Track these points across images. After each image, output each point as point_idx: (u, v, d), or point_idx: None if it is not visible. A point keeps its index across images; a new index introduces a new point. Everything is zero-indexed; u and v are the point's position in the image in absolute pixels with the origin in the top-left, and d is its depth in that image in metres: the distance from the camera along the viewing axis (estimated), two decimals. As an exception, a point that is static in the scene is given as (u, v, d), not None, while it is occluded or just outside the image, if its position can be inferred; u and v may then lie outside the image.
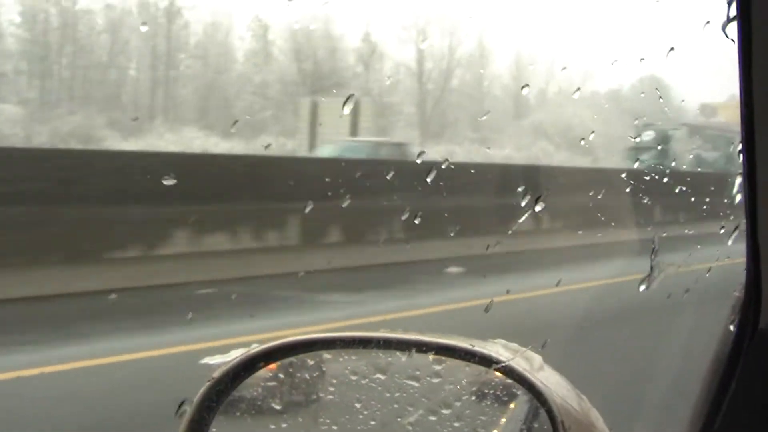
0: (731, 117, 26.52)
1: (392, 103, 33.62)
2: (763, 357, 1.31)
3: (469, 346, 1.39)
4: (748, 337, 1.32)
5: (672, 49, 2.08)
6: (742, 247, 1.36)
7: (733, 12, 1.26)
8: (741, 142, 1.28)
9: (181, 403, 1.37)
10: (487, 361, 1.38)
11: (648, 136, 26.52)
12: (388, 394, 1.44)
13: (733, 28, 1.28)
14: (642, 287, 1.67)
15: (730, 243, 1.87)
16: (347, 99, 2.73)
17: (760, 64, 1.24)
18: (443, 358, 1.43)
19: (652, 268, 1.63)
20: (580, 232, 11.97)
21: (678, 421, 1.45)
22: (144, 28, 34.84)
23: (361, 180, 10.01)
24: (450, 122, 36.18)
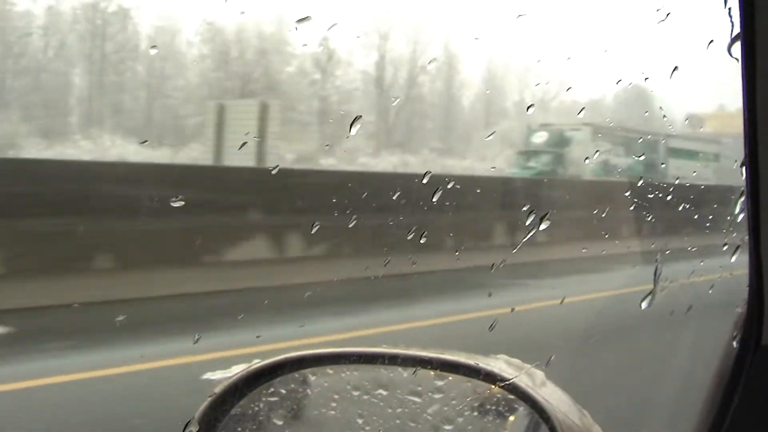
0: (718, 127, 25.40)
1: (350, 111, 33.68)
2: (766, 372, 1.40)
3: (474, 363, 1.49)
4: (751, 352, 1.41)
5: (676, 68, 2.20)
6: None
7: (737, 29, 1.36)
8: (744, 158, 1.39)
9: (187, 424, 1.43)
10: (491, 378, 1.48)
11: (540, 138, 24.18)
12: (390, 410, 1.53)
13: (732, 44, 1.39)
14: (644, 304, 1.76)
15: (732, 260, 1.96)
16: (354, 120, 2.70)
17: (763, 81, 1.35)
18: (446, 374, 1.52)
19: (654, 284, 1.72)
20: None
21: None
22: (153, 51, 34.45)
23: None
24: (411, 131, 36.25)
